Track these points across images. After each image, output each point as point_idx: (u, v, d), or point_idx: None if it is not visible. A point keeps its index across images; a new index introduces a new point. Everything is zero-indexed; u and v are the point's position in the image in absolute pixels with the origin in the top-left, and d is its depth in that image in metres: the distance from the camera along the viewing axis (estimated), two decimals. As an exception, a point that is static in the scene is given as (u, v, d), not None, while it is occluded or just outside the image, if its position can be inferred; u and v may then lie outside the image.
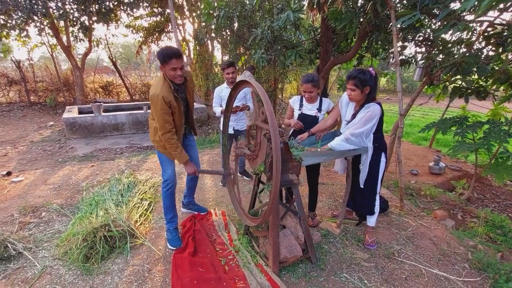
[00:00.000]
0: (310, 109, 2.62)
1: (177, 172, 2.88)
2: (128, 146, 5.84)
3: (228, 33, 6.73)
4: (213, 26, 6.38)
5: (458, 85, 3.40)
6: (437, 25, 3.45)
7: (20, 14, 7.05)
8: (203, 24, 7.43)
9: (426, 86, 3.82)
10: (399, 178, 3.05)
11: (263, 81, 6.97)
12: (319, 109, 2.61)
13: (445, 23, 2.64)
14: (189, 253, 2.34)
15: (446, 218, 3.07)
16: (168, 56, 2.08)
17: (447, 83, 3.60)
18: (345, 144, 2.19)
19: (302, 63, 6.76)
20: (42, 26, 8.16)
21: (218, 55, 10.14)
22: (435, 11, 3.06)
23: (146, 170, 4.36)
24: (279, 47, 4.20)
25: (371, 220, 2.55)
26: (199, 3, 8.31)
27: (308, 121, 2.60)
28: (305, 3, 3.98)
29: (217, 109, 3.49)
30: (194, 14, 9.07)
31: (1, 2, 6.77)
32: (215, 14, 5.32)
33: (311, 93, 2.49)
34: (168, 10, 8.91)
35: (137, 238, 2.59)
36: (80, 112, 7.14)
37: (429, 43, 3.61)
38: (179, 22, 9.48)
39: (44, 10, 7.23)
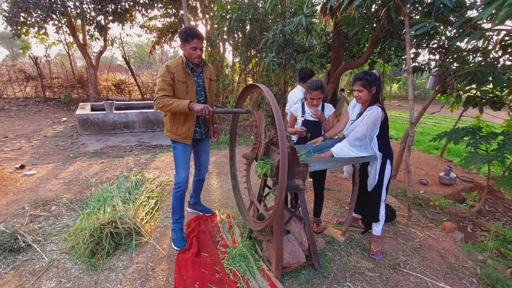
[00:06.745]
0: (313, 115, 2.63)
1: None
2: (137, 144, 5.93)
3: (240, 35, 6.78)
4: (225, 28, 6.44)
5: (472, 94, 3.33)
6: (452, 32, 3.39)
7: (39, 12, 7.29)
8: (216, 26, 7.50)
9: (439, 95, 3.75)
10: (408, 188, 3.00)
11: (273, 84, 6.98)
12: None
13: (460, 31, 2.59)
14: (192, 253, 2.35)
15: (455, 230, 2.99)
16: (191, 35, 2.20)
17: (461, 92, 3.52)
18: (348, 149, 2.19)
19: (313, 67, 6.73)
20: (60, 25, 8.40)
21: (229, 57, 10.21)
22: (451, 18, 3.00)
23: (154, 169, 4.41)
24: (290, 51, 4.20)
25: (377, 229, 2.51)
26: (212, 5, 8.40)
27: (312, 127, 2.62)
28: (318, 8, 3.97)
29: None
30: (207, 16, 9.17)
31: (22, 0, 7.01)
32: (227, 17, 5.38)
33: (319, 99, 2.50)
34: (182, 12, 9.04)
35: (142, 236, 2.62)
36: (92, 109, 7.30)
37: (443, 50, 3.54)
38: (192, 23, 9.59)
39: (62, 9, 7.46)
